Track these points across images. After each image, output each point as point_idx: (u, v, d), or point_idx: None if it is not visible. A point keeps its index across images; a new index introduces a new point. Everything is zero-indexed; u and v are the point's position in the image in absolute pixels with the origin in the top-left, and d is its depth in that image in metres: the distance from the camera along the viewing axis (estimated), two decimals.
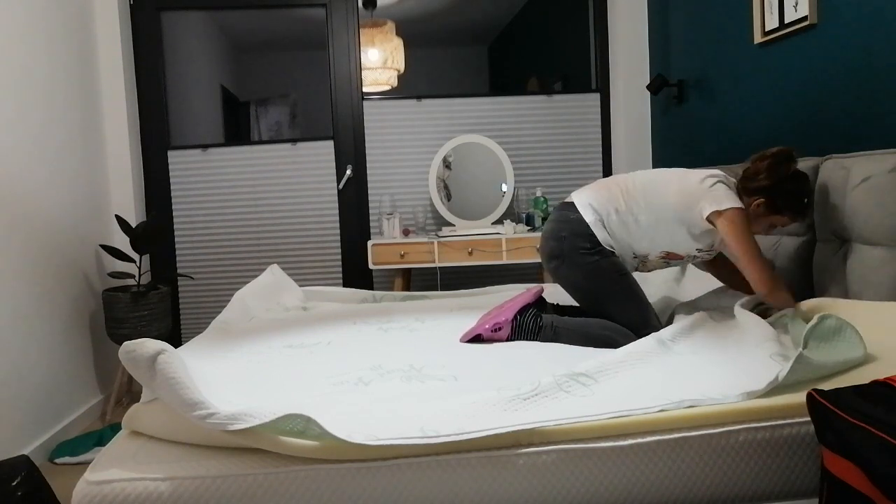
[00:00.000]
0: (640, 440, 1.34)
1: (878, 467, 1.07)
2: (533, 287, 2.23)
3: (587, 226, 2.08)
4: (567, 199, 2.20)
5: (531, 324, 2.03)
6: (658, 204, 2.06)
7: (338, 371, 1.73)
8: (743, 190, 2.05)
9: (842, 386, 1.26)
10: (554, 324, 2.04)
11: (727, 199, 1.97)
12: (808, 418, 1.26)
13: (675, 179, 2.09)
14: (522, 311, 2.05)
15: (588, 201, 2.13)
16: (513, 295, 2.73)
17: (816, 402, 1.21)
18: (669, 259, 2.14)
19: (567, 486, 1.32)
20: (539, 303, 2.20)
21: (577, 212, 2.11)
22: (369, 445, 1.26)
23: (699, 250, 2.09)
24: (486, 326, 2.02)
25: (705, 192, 2.00)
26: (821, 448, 1.22)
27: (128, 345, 1.39)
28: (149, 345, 1.39)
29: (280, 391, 1.58)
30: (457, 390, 1.54)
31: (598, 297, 2.09)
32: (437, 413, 1.38)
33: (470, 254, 3.31)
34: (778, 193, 1.98)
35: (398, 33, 4.63)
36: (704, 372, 1.59)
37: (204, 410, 1.28)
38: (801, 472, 1.36)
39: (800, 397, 1.36)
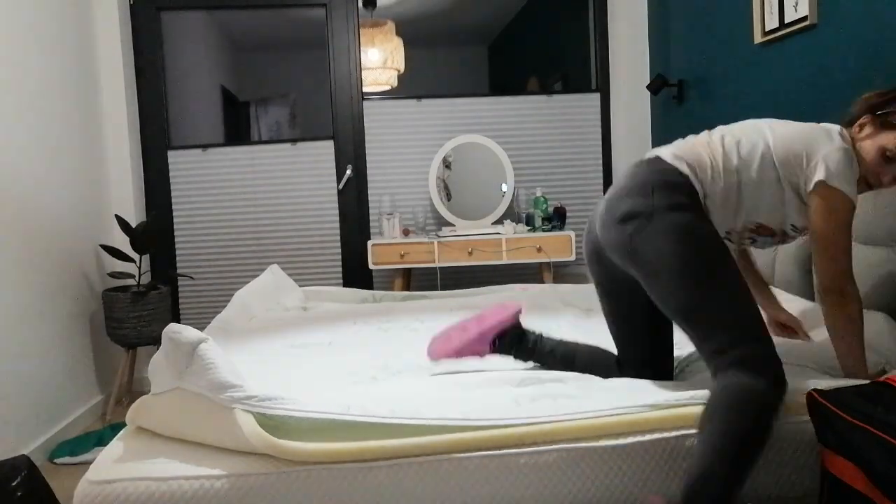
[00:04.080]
0: (640, 439, 1.34)
1: (878, 467, 1.07)
2: (508, 304, 1.85)
3: (685, 176, 1.52)
4: (648, 156, 1.64)
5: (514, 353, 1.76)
6: (763, 155, 1.55)
7: (339, 371, 1.74)
8: (847, 126, 1.61)
9: (842, 386, 1.26)
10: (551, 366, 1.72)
11: (844, 178, 1.49)
12: (808, 418, 1.26)
13: (781, 124, 1.62)
14: (500, 339, 1.76)
15: (679, 154, 1.58)
16: (512, 293, 2.72)
17: (816, 402, 1.21)
18: (758, 234, 1.62)
19: (567, 486, 1.32)
20: (516, 330, 1.80)
21: (668, 163, 1.56)
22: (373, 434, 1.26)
23: (793, 227, 1.60)
24: (454, 351, 1.75)
25: (828, 147, 1.52)
26: (820, 448, 1.22)
27: (173, 326, 1.42)
28: (194, 332, 1.41)
29: (288, 391, 1.58)
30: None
31: (691, 277, 1.42)
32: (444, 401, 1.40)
33: (470, 254, 3.31)
34: (887, 105, 1.54)
35: (398, 33, 4.63)
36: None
37: (241, 392, 1.32)
38: (801, 472, 1.36)
39: (800, 397, 1.36)
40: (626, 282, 1.59)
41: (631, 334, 1.67)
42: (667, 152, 1.59)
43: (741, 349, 1.35)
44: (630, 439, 1.33)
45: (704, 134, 1.64)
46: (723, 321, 1.39)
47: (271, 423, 1.32)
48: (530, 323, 2.23)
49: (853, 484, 1.12)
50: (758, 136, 1.57)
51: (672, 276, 1.43)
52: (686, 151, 1.58)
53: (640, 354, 1.66)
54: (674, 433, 1.35)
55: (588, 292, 2.66)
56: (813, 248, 1.54)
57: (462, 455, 1.30)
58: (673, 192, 1.50)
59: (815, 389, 1.23)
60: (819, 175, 1.49)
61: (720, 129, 1.64)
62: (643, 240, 1.47)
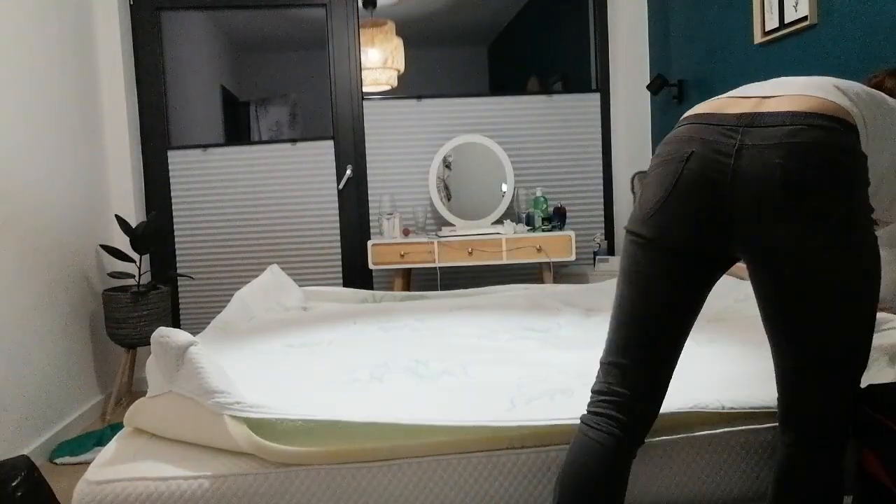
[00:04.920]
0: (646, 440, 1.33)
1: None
2: None
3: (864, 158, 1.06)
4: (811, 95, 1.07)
5: None
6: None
7: (338, 371, 1.73)
8: None
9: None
10: None
11: None
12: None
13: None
14: None
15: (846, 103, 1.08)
16: (513, 293, 2.72)
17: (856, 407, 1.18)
18: None
19: None
20: None
21: (843, 126, 1.03)
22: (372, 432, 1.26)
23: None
24: None
25: None
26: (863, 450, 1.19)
27: (162, 330, 1.41)
28: (183, 335, 1.41)
29: (281, 390, 1.58)
30: (465, 385, 1.55)
31: (865, 311, 1.07)
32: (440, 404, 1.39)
33: (470, 254, 3.31)
34: None
35: (398, 33, 4.63)
36: (715, 374, 1.59)
37: (229, 398, 1.31)
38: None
39: None
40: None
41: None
42: (841, 100, 1.10)
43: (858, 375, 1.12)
44: None
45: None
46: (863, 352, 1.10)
47: (262, 426, 1.32)
48: (530, 323, 2.24)
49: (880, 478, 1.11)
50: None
51: (847, 312, 1.07)
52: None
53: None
54: (675, 435, 1.35)
55: (588, 292, 2.66)
56: None
57: (462, 455, 1.30)
58: (861, 173, 1.09)
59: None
60: None
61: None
62: (835, 247, 1.05)
